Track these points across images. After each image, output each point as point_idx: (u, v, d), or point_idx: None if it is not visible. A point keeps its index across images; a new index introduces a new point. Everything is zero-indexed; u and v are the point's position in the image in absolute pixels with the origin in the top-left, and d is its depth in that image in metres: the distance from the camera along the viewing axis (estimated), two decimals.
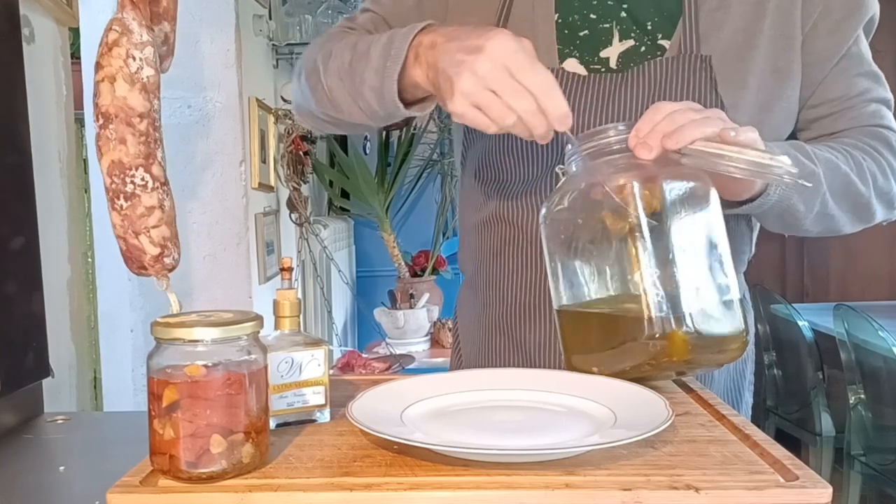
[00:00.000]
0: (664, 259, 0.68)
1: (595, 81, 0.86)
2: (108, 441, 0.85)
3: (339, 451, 0.58)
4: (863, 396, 2.64)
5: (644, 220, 0.68)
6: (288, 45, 2.34)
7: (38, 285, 0.92)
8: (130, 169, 0.69)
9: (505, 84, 0.68)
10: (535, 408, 0.66)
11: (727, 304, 0.71)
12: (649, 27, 0.88)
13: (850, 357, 2.70)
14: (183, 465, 0.53)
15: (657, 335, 0.67)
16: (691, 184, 0.71)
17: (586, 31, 0.88)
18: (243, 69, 1.82)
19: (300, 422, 0.65)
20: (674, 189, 0.70)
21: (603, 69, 0.87)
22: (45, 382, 0.93)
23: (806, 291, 4.00)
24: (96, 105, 0.69)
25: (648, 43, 0.87)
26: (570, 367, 0.74)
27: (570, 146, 0.74)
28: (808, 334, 3.02)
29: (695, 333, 0.67)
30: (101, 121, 0.69)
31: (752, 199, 0.78)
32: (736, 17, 0.86)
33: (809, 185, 0.75)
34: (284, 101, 2.44)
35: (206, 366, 0.53)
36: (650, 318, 0.67)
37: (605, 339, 0.71)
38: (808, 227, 0.84)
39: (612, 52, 0.88)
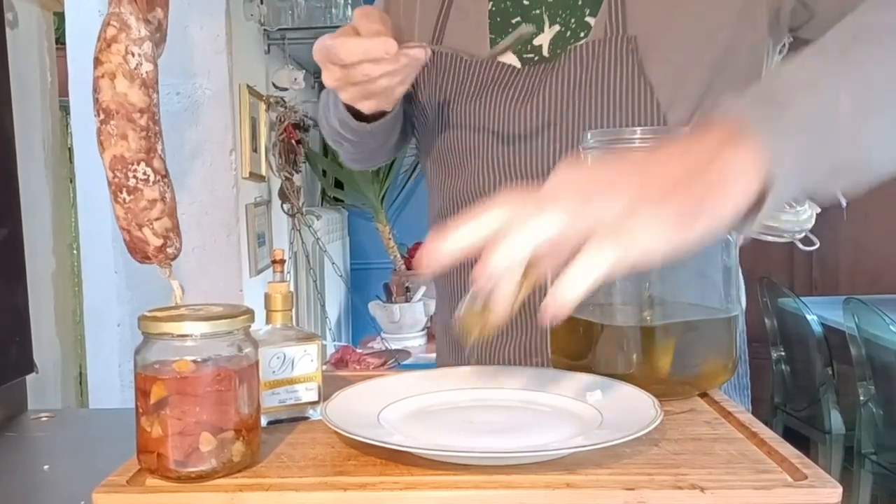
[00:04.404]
0: (659, 274, 0.66)
1: (527, 73, 0.83)
2: (94, 439, 0.84)
3: (333, 450, 0.57)
4: (874, 393, 2.60)
5: None
6: (280, 29, 2.30)
7: (22, 278, 0.91)
8: (132, 164, 0.71)
9: (339, 61, 0.72)
10: (518, 407, 0.64)
11: (721, 328, 0.69)
12: (579, 3, 0.83)
13: (861, 352, 2.66)
14: (171, 463, 0.52)
15: (636, 361, 0.66)
16: None
17: (519, 18, 0.86)
18: (234, 55, 1.80)
19: (292, 419, 0.64)
20: None
21: (536, 57, 0.84)
22: (29, 379, 0.93)
23: (815, 284, 3.93)
24: (97, 101, 0.71)
25: (573, 25, 0.84)
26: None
27: (588, 135, 0.70)
28: (817, 329, 2.96)
29: (674, 369, 0.66)
30: (101, 116, 0.70)
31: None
32: None
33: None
34: (276, 87, 2.41)
35: (195, 361, 0.52)
36: (627, 341, 0.66)
37: (587, 347, 0.69)
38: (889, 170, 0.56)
39: (544, 39, 0.85)
